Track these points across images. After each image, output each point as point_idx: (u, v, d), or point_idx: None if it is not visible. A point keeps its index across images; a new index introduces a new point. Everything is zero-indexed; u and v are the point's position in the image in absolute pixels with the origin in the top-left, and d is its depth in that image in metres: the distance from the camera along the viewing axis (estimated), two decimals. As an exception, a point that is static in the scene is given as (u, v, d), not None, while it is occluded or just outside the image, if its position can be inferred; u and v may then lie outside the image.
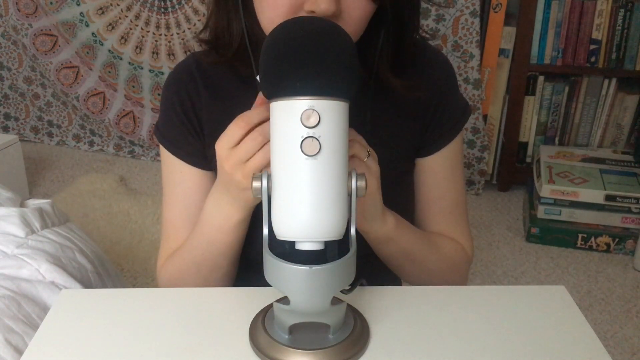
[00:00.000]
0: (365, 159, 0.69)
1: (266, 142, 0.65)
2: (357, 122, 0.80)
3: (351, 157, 0.68)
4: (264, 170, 0.63)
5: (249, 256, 0.88)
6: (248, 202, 0.73)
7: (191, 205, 0.87)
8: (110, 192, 2.44)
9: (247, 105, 0.75)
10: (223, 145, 0.68)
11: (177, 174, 0.88)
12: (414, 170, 0.91)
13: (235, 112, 0.80)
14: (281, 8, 0.69)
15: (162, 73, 2.67)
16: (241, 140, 0.67)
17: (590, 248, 2.17)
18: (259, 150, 0.66)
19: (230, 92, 0.86)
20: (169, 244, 0.90)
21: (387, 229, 0.78)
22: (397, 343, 0.71)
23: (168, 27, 2.58)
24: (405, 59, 0.82)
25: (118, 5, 2.58)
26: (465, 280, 0.96)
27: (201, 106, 0.86)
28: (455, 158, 0.91)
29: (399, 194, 0.79)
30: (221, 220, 0.77)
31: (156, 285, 0.90)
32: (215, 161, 0.73)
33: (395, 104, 0.87)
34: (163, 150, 0.89)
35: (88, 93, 2.76)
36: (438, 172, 0.91)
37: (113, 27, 2.63)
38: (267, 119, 0.64)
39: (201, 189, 0.87)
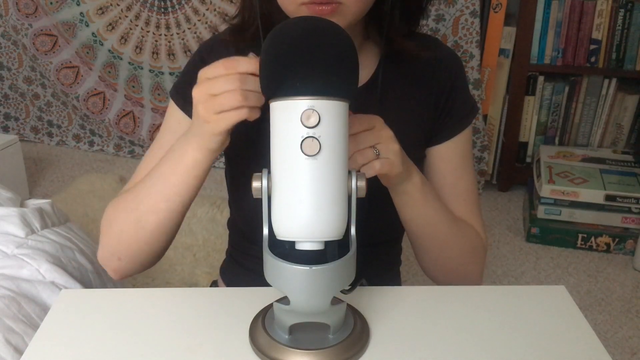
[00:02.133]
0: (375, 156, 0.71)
1: (240, 88, 0.65)
2: (369, 88, 0.82)
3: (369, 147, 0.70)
4: (264, 170, 0.63)
5: (244, 231, 0.90)
6: (205, 139, 0.71)
7: None
8: (110, 192, 2.44)
9: None
10: (204, 74, 0.68)
11: (175, 123, 0.88)
12: (425, 161, 0.93)
13: None
14: None
15: (162, 73, 2.67)
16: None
17: (590, 248, 2.17)
18: (226, 93, 0.66)
19: None
20: (134, 182, 0.88)
21: (413, 185, 0.78)
22: (397, 343, 0.71)
23: (168, 27, 2.58)
24: (417, 27, 0.86)
25: (118, 5, 2.58)
26: (481, 271, 0.95)
27: None
28: (465, 148, 0.93)
29: None
30: (180, 155, 0.76)
31: (156, 286, 0.90)
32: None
33: (410, 91, 0.89)
34: (170, 106, 0.89)
35: (88, 93, 2.76)
36: (450, 160, 0.92)
37: (113, 27, 2.63)
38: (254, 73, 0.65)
39: None
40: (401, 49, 0.85)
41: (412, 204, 0.81)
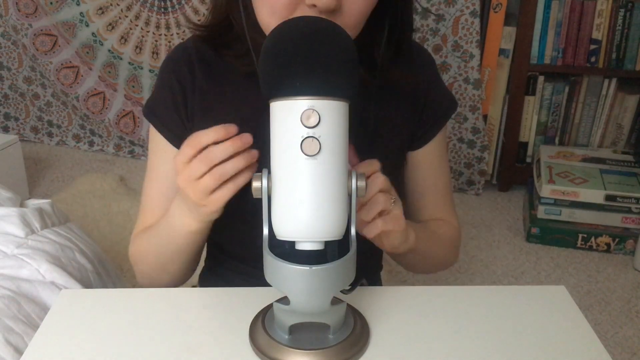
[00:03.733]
0: (390, 207, 0.71)
1: (214, 164, 0.65)
2: (361, 120, 0.81)
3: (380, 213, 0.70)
4: (264, 170, 0.63)
5: (228, 249, 0.90)
6: (203, 216, 0.74)
7: (170, 187, 0.88)
8: (110, 192, 2.44)
9: (245, 95, 0.80)
10: (179, 159, 0.68)
11: (162, 153, 0.88)
12: (406, 164, 0.93)
13: (231, 100, 0.83)
14: (281, 1, 0.69)
15: (162, 73, 2.67)
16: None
17: (590, 248, 2.17)
18: (208, 171, 0.66)
19: (228, 79, 0.86)
20: (145, 218, 0.91)
21: (409, 246, 0.80)
22: (397, 343, 0.71)
23: (168, 27, 2.58)
24: (403, 52, 0.85)
25: (118, 5, 2.58)
26: (457, 254, 0.99)
27: (195, 89, 0.86)
28: (443, 146, 0.95)
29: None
30: (179, 225, 0.78)
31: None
32: None
33: (392, 98, 0.88)
34: (151, 127, 0.89)
35: (88, 93, 2.76)
36: (431, 161, 0.94)
37: (113, 27, 2.63)
38: (220, 140, 0.65)
39: None
40: (388, 79, 0.84)
41: (412, 254, 0.83)
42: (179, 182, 0.69)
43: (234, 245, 0.88)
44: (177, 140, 0.86)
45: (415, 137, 0.91)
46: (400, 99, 0.88)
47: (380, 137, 0.87)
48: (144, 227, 0.90)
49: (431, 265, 0.95)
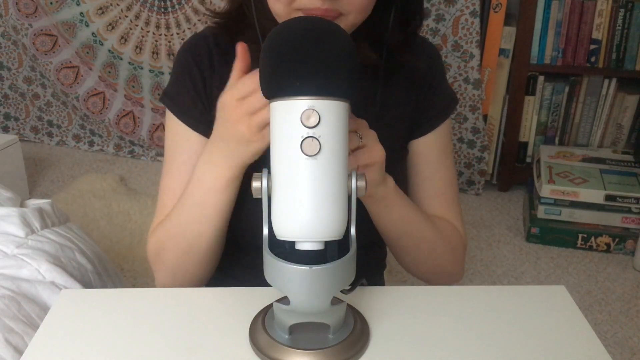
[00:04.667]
0: (358, 144, 0.70)
1: None
2: (367, 103, 0.81)
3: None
4: (264, 169, 0.63)
5: (236, 238, 0.87)
6: (243, 158, 0.73)
7: None
8: (110, 192, 2.44)
9: None
10: (233, 95, 0.69)
11: (183, 142, 0.87)
12: (408, 154, 0.93)
13: None
14: None
15: (162, 73, 2.67)
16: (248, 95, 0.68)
17: (590, 248, 2.17)
18: (265, 107, 0.66)
19: None
20: (165, 211, 0.87)
21: (388, 190, 0.78)
22: (397, 343, 0.71)
23: (168, 27, 2.58)
24: (411, 37, 0.85)
25: (118, 5, 2.58)
26: (462, 266, 0.95)
27: (213, 75, 0.86)
28: (445, 141, 0.93)
29: (395, 175, 0.80)
30: (213, 179, 0.76)
31: (156, 286, 0.90)
32: None
33: (398, 83, 0.88)
34: (169, 116, 0.88)
35: (88, 93, 2.76)
36: (429, 154, 0.92)
37: (113, 27, 2.63)
38: None
39: None
40: (394, 66, 0.84)
41: (390, 207, 0.80)
42: (233, 118, 0.69)
43: (254, 241, 0.87)
44: (199, 125, 0.86)
45: (416, 126, 0.91)
46: (406, 85, 0.89)
47: (386, 122, 0.87)
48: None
49: (419, 251, 0.89)
